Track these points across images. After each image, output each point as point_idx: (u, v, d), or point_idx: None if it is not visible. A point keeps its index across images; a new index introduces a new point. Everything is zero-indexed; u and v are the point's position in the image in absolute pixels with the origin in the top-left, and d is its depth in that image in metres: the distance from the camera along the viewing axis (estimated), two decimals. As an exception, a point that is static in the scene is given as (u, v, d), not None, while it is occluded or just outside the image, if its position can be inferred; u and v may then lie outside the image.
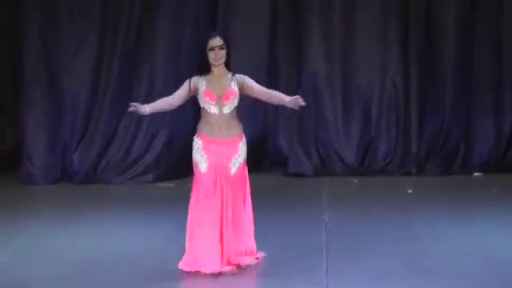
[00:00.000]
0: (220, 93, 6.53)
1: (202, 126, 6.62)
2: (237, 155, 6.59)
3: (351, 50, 9.85)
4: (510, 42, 9.87)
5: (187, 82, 6.61)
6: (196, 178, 6.56)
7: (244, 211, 6.58)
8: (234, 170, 6.57)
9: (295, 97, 6.60)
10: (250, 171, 8.98)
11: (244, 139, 6.66)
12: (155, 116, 9.52)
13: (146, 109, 6.69)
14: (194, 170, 6.60)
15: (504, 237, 6.82)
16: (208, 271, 6.22)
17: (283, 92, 7.00)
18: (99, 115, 9.53)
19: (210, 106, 6.53)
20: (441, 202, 8.27)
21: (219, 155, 6.54)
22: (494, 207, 7.96)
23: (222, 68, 6.57)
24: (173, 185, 9.34)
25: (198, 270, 6.26)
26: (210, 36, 6.58)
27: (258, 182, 8.21)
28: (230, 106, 6.54)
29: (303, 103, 6.59)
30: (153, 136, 9.59)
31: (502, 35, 9.87)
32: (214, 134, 6.54)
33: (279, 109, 9.87)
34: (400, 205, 8.18)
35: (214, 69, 6.56)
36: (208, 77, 6.56)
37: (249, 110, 9.61)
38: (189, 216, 6.46)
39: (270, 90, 6.76)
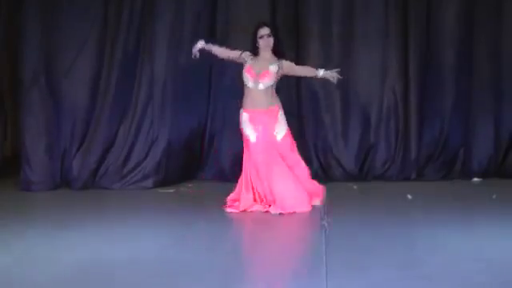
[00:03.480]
0: (258, 72, 8.00)
1: (245, 99, 8.08)
2: (278, 124, 8.03)
3: (350, 56, 9.87)
4: (509, 52, 9.89)
5: (241, 51, 8.15)
6: (247, 146, 8.05)
7: (301, 169, 8.13)
8: (280, 136, 8.04)
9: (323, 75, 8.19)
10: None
11: (282, 111, 8.09)
12: (155, 122, 9.57)
13: (203, 44, 8.26)
14: (244, 139, 8.08)
15: (504, 242, 6.81)
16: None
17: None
18: (99, 121, 9.53)
19: (248, 81, 8.03)
20: (440, 208, 8.26)
21: (264, 125, 7.98)
22: (494, 212, 7.96)
23: (269, 53, 8.06)
24: (173, 190, 9.35)
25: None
26: (259, 25, 8.10)
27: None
28: (264, 84, 7.99)
29: (337, 76, 8.20)
30: (152, 142, 9.59)
31: (501, 44, 9.90)
32: (253, 106, 8.01)
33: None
34: (399, 210, 8.18)
35: (262, 52, 8.08)
36: (256, 57, 8.09)
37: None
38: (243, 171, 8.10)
39: (304, 68, 8.42)
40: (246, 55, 8.12)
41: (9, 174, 9.86)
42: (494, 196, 8.69)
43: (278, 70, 8.05)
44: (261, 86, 8.00)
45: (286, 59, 8.20)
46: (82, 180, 9.46)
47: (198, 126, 9.92)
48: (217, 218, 7.95)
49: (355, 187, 9.45)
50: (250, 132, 8.04)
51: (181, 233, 7.33)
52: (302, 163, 8.24)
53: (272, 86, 8.06)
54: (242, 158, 8.21)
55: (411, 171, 9.87)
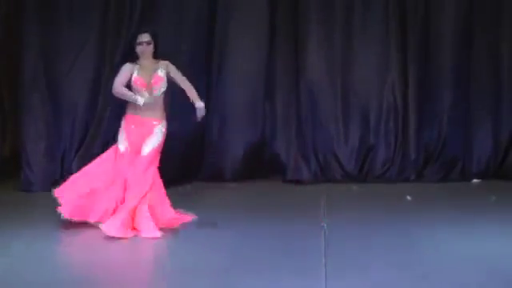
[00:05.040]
0: (149, 80, 7.49)
1: (129, 106, 7.54)
2: (152, 136, 7.51)
3: (350, 57, 9.86)
4: (508, 53, 9.90)
5: (126, 69, 7.56)
6: (113, 154, 7.58)
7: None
8: (147, 151, 7.51)
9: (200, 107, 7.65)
10: (248, 177, 8.99)
11: (162, 125, 7.57)
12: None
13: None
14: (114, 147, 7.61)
15: (503, 243, 6.82)
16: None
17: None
18: (98, 122, 9.54)
19: (140, 92, 7.46)
20: (439, 209, 8.27)
21: (137, 135, 7.47)
22: (493, 214, 7.97)
23: (150, 58, 7.55)
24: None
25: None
26: (140, 32, 7.65)
27: (257, 189, 8.28)
28: (159, 91, 7.52)
29: (199, 118, 7.74)
30: (151, 143, 9.58)
31: (500, 47, 9.90)
32: (136, 113, 7.48)
33: (278, 115, 9.89)
34: (399, 211, 8.18)
35: (142, 60, 7.55)
36: (137, 66, 7.54)
37: (247, 117, 9.67)
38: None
39: (189, 86, 7.68)
40: (130, 67, 7.59)
41: (7, 175, 9.85)
42: (493, 198, 8.69)
43: (165, 73, 7.61)
44: (155, 94, 7.55)
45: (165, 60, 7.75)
46: (82, 181, 9.46)
47: (197, 127, 9.89)
48: (215, 218, 7.95)
49: (354, 188, 9.46)
50: (120, 139, 7.62)
51: (180, 233, 7.34)
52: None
53: (164, 92, 7.65)
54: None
55: (411, 172, 9.87)
